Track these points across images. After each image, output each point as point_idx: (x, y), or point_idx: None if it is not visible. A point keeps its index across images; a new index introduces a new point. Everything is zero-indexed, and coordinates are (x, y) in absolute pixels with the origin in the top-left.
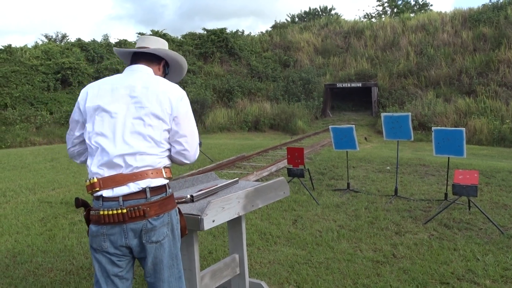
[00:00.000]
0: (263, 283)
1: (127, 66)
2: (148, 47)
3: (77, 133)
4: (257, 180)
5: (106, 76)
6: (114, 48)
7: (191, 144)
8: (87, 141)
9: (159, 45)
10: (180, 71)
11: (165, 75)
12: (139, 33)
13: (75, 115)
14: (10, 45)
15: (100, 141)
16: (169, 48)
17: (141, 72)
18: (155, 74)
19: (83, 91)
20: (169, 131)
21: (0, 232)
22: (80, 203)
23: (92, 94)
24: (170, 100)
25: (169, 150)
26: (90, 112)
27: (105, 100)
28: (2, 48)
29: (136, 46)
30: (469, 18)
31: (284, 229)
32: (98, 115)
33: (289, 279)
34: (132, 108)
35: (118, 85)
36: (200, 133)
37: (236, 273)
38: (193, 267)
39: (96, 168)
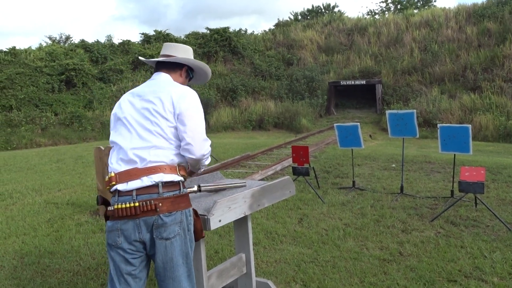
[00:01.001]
0: (270, 282)
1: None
2: (171, 55)
3: None
4: (262, 179)
5: (110, 77)
6: (141, 58)
7: (194, 138)
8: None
9: (182, 53)
10: (204, 76)
11: (189, 79)
12: (142, 34)
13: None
14: (15, 47)
15: (117, 139)
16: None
17: (159, 79)
18: (176, 80)
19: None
20: (175, 128)
21: (7, 234)
22: (101, 200)
23: (118, 103)
24: (172, 98)
25: (179, 147)
26: (113, 121)
27: (124, 108)
28: (7, 50)
29: (161, 54)
30: (474, 14)
31: (290, 228)
32: (117, 121)
33: (296, 278)
34: (141, 109)
35: (136, 92)
36: None
37: (243, 272)
38: (200, 267)
39: (114, 163)
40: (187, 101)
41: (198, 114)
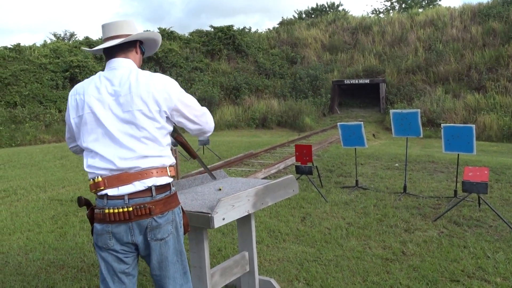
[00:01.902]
0: (272, 281)
1: (106, 60)
2: (120, 35)
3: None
4: (265, 178)
5: None
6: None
7: (201, 121)
8: (83, 145)
9: (130, 29)
10: (155, 44)
11: (142, 54)
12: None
13: (68, 119)
14: (19, 44)
15: (97, 148)
16: (175, 45)
17: (123, 68)
18: (135, 59)
19: (71, 98)
20: (164, 127)
21: (12, 230)
22: (83, 202)
23: (80, 99)
24: (154, 96)
25: (169, 145)
26: (81, 120)
27: (96, 110)
28: (11, 47)
29: (105, 37)
30: (479, 13)
31: (293, 227)
32: (90, 123)
33: (299, 276)
34: (122, 113)
35: (103, 89)
36: None
37: (246, 270)
38: (203, 265)
39: (99, 168)
40: (171, 93)
41: (188, 98)
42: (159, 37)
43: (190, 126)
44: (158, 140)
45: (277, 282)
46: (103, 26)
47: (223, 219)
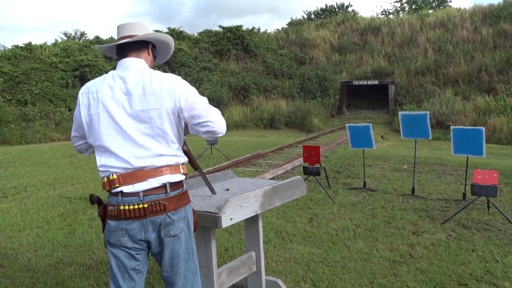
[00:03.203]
0: (279, 281)
1: (118, 60)
2: (133, 35)
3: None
4: (273, 178)
5: None
6: (97, 46)
7: (212, 120)
8: (97, 144)
9: (143, 30)
10: (167, 50)
11: (154, 58)
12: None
13: (79, 117)
14: (30, 42)
15: (111, 146)
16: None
17: (135, 68)
18: (147, 60)
19: (83, 96)
20: (177, 126)
21: (22, 226)
22: (95, 199)
23: (93, 98)
24: (169, 96)
25: (181, 143)
26: (94, 118)
27: (110, 107)
28: (23, 45)
29: (119, 36)
30: (489, 15)
31: (300, 227)
32: (104, 121)
33: (305, 277)
34: (135, 112)
35: (117, 88)
36: None
37: (253, 270)
38: (210, 264)
39: (113, 166)
40: (184, 93)
41: (197, 96)
42: (171, 41)
43: (200, 128)
44: (172, 139)
45: (283, 283)
46: (118, 27)
47: (231, 219)
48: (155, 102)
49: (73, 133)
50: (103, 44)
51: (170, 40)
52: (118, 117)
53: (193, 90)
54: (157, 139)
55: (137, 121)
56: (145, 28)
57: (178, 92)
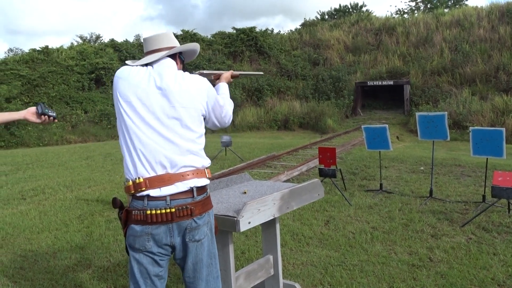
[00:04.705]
0: (297, 285)
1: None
2: (161, 48)
3: None
4: (287, 180)
5: None
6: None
7: (226, 110)
8: (127, 140)
9: (169, 41)
10: (193, 54)
11: (182, 63)
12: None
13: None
14: (47, 46)
15: (144, 140)
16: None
17: (170, 68)
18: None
19: (120, 79)
20: (203, 128)
21: (40, 229)
22: (118, 203)
23: (126, 86)
24: (202, 96)
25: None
26: (127, 106)
27: (146, 102)
28: (40, 49)
29: (146, 50)
30: (507, 13)
31: (317, 230)
32: (135, 113)
33: (323, 281)
34: (168, 109)
35: (152, 82)
36: (229, 132)
37: (270, 274)
38: (228, 268)
39: (140, 167)
40: (211, 91)
41: (214, 93)
42: (197, 47)
43: (213, 121)
44: (198, 139)
45: (301, 286)
46: (145, 40)
47: (249, 222)
48: (186, 101)
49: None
50: (131, 60)
51: (196, 46)
52: (149, 109)
53: (213, 91)
54: (185, 136)
55: (168, 117)
56: (171, 39)
57: (209, 92)
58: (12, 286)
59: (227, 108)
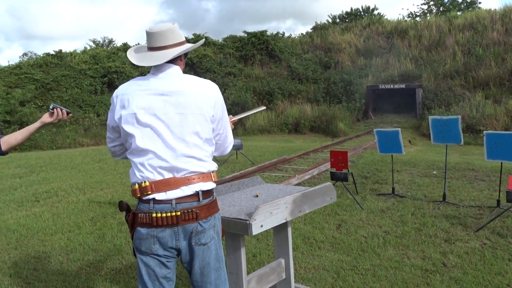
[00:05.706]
0: None
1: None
2: (166, 45)
3: (115, 135)
4: (299, 184)
5: None
6: (129, 57)
7: (230, 140)
8: (132, 146)
9: (175, 38)
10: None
11: (185, 56)
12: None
13: (111, 121)
14: (61, 50)
15: (149, 146)
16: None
17: (173, 74)
18: (180, 65)
19: (117, 98)
20: (210, 132)
21: (53, 230)
22: (125, 206)
23: (128, 100)
24: (205, 101)
25: (212, 151)
26: (129, 119)
27: (145, 106)
28: (54, 53)
29: (150, 45)
30: None
31: (328, 234)
32: (140, 123)
33: (335, 285)
34: (174, 115)
35: (155, 91)
36: (240, 135)
37: (282, 278)
38: (240, 271)
39: (145, 171)
40: (219, 102)
41: (226, 115)
42: (201, 44)
43: (217, 140)
44: (205, 144)
45: None
46: (148, 34)
47: (261, 226)
48: (192, 106)
49: (109, 135)
50: (135, 47)
51: (201, 43)
52: (156, 118)
53: (224, 108)
54: (192, 142)
55: (173, 125)
56: (177, 34)
57: (217, 101)
58: (25, 287)
59: (230, 141)
